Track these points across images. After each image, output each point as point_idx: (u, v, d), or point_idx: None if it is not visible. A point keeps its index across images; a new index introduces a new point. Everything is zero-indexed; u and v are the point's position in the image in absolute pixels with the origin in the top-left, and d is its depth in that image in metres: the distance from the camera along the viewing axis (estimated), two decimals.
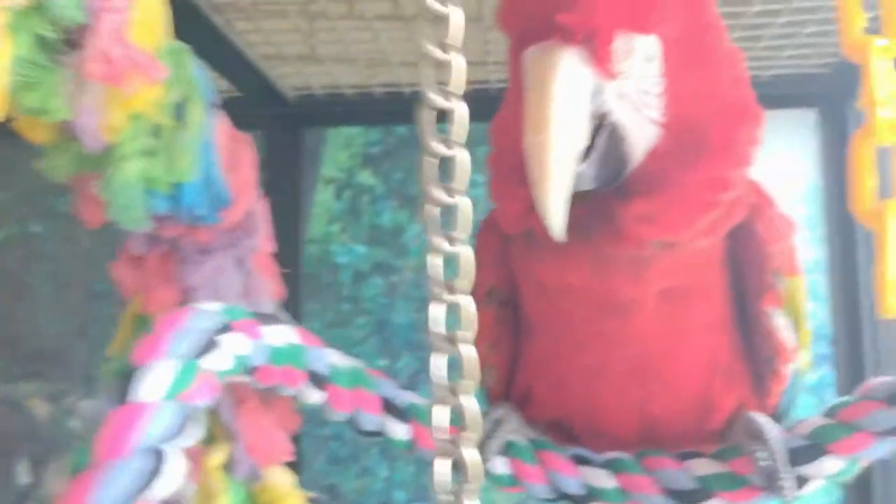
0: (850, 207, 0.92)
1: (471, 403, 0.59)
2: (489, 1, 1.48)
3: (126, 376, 0.68)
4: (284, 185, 2.10)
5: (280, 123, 2.12)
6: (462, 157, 0.59)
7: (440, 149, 0.59)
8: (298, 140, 2.16)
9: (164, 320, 0.75)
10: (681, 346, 0.95)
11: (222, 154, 0.95)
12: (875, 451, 0.87)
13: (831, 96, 1.98)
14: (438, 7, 0.58)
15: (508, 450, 0.96)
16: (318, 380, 0.91)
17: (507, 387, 1.06)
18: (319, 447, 2.12)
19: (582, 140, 0.80)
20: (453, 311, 0.59)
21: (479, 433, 0.60)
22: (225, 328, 0.79)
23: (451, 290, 0.59)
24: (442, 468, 0.59)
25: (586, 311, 0.93)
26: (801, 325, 1.01)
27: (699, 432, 0.98)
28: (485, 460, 0.91)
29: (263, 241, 1.05)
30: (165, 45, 0.86)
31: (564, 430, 1.03)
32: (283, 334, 0.89)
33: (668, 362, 0.96)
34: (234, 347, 0.80)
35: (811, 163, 2.06)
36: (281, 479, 1.02)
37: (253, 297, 1.02)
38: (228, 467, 0.95)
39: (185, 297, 0.96)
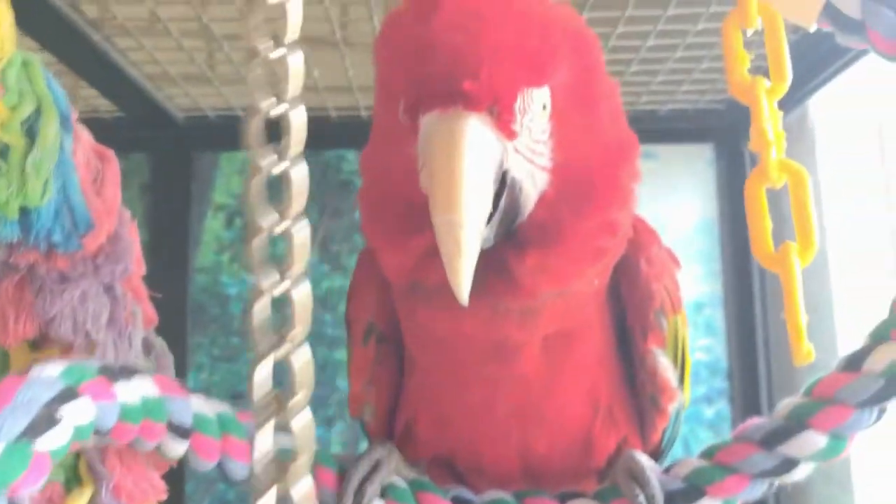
0: (752, 252, 0.93)
1: (304, 422, 0.53)
2: (351, 24, 1.48)
3: None
4: (173, 210, 2.09)
5: (169, 146, 2.09)
6: (298, 173, 0.52)
7: (271, 164, 0.51)
8: (188, 164, 2.12)
9: None
10: (562, 387, 0.95)
11: (83, 173, 0.88)
12: (750, 492, 0.88)
13: (727, 131, 2.04)
14: None
15: (388, 492, 0.93)
16: (180, 430, 0.85)
17: (388, 423, 1.05)
18: (206, 489, 2.03)
19: (488, 207, 0.78)
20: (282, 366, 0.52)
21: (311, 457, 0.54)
22: (67, 395, 0.72)
23: (282, 340, 0.52)
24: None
25: (472, 354, 0.91)
26: (686, 362, 1.02)
27: (581, 470, 0.99)
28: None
29: (134, 265, 0.96)
30: (12, 57, 0.80)
31: (448, 467, 1.02)
32: (139, 387, 0.81)
33: (549, 403, 0.95)
34: (76, 417, 0.72)
35: (707, 196, 2.10)
36: None
37: (121, 326, 0.94)
38: None
39: (46, 329, 0.89)
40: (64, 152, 0.84)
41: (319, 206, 2.11)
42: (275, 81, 0.50)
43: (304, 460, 0.51)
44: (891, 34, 0.85)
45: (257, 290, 0.50)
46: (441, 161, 0.76)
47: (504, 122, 0.77)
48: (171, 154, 2.09)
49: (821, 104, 1.88)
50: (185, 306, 2.06)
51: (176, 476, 1.75)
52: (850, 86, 1.77)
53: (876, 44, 0.87)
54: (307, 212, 0.58)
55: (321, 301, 2.03)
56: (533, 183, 0.83)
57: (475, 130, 0.75)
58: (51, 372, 0.73)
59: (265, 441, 0.51)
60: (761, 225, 0.91)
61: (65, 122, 0.84)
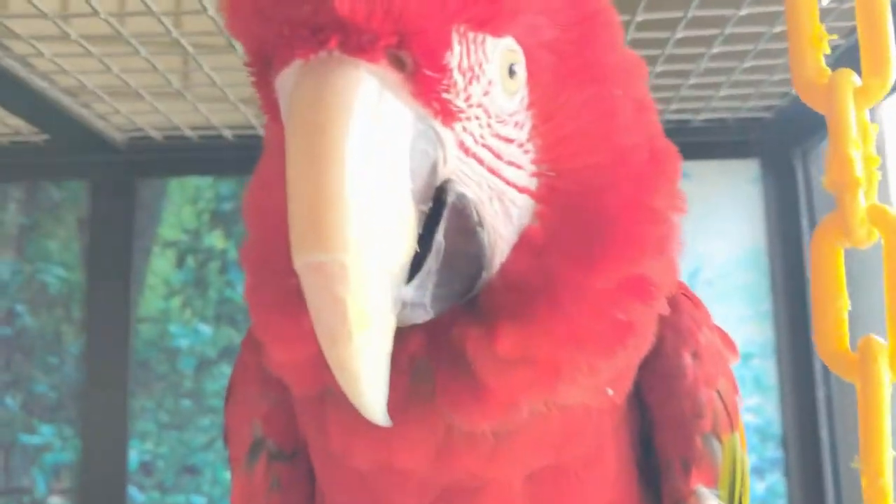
0: (816, 348, 0.68)
1: None
2: None
3: None
4: (113, 248, 1.92)
5: (109, 173, 1.94)
6: None
7: None
8: (131, 193, 1.96)
9: None
10: None
11: None
12: None
13: (775, 144, 1.85)
14: None
15: None
16: None
17: None
18: None
19: (406, 244, 0.51)
20: None
21: None
22: None
23: None
24: None
25: (410, 496, 0.68)
26: (743, 495, 0.77)
27: None
28: None
29: None
30: None
31: None
32: None
33: None
34: None
35: (753, 222, 1.87)
36: None
37: None
38: None
39: None
40: None
41: None
42: None
43: None
44: None
45: None
46: (303, 147, 0.49)
47: (425, 87, 0.51)
48: (113, 182, 1.94)
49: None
50: (127, 362, 1.89)
51: None
52: None
53: None
54: None
55: None
56: (502, 209, 0.58)
57: (364, 90, 0.48)
58: None
59: None
60: (833, 306, 0.66)
61: None
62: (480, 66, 0.55)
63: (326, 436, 0.68)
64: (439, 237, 0.54)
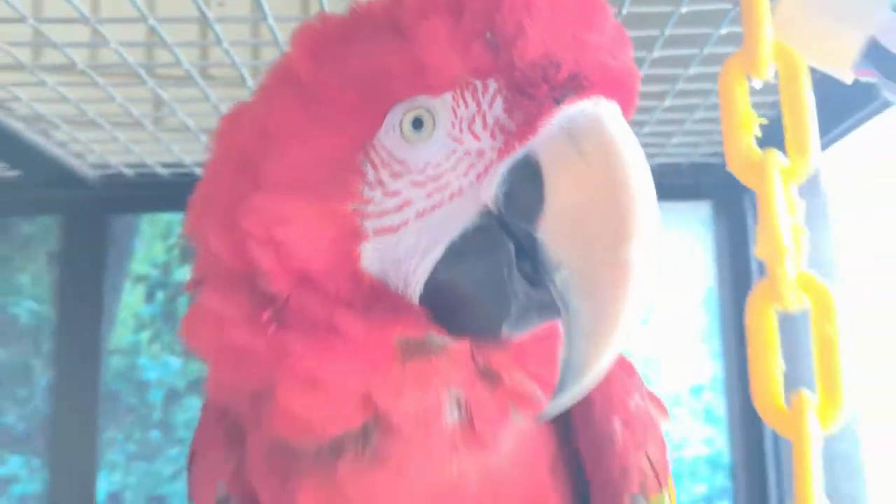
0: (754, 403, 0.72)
1: None
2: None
3: None
4: (84, 283, 1.92)
5: (81, 209, 1.93)
6: None
7: None
8: (102, 229, 1.96)
9: None
10: None
11: None
12: None
13: (725, 187, 1.86)
14: None
15: None
16: None
17: None
18: None
19: None
20: None
21: None
22: None
23: None
24: None
25: None
26: None
27: None
28: None
29: None
30: None
31: None
32: None
33: None
34: None
35: (705, 262, 1.91)
36: None
37: None
38: None
39: None
40: None
41: None
42: None
43: None
44: None
45: None
46: (612, 168, 0.59)
47: None
48: (84, 217, 1.94)
49: (833, 158, 1.73)
50: (97, 394, 1.87)
51: None
52: (864, 138, 1.63)
53: None
54: None
55: None
56: None
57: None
58: None
59: None
60: (768, 366, 0.70)
61: None
62: None
63: (291, 495, 0.67)
64: None
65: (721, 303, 1.85)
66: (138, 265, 1.98)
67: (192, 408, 1.93)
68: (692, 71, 1.31)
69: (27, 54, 1.32)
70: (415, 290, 0.64)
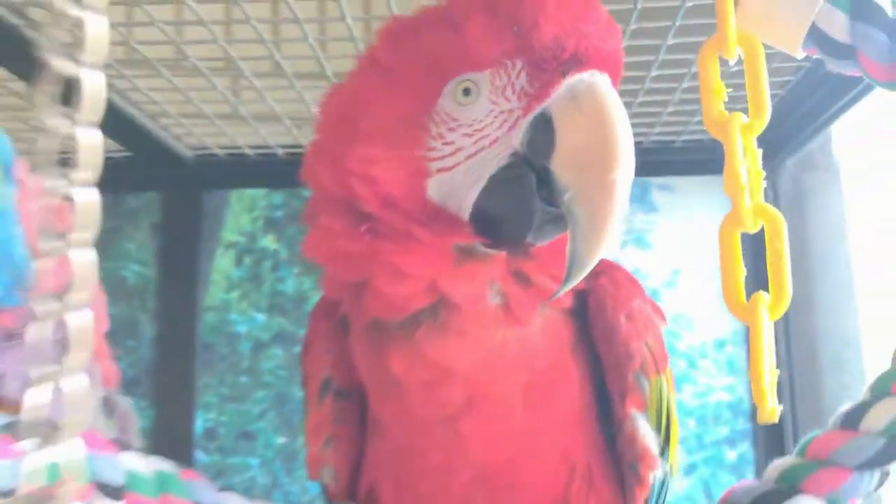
0: (724, 299, 0.87)
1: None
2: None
3: None
4: (182, 249, 2.10)
5: (179, 185, 2.10)
6: (90, 137, 0.50)
7: (62, 126, 0.49)
8: (198, 202, 2.13)
9: None
10: (532, 449, 0.89)
11: (29, 224, 0.85)
12: None
13: None
14: None
15: None
16: (111, 490, 0.79)
17: (350, 485, 1.00)
18: None
19: None
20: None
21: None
22: None
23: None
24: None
25: (436, 407, 0.86)
26: (671, 427, 0.96)
27: None
28: None
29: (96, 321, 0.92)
30: None
31: None
32: (64, 445, 0.77)
33: (517, 466, 0.89)
34: None
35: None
36: None
37: None
38: None
39: None
40: (5, 202, 0.81)
41: None
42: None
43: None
44: (882, 58, 0.81)
45: (45, 253, 0.50)
46: (610, 122, 0.77)
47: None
48: (182, 193, 2.11)
49: (845, 129, 1.84)
50: (194, 345, 2.06)
51: None
52: (877, 109, 1.69)
53: (868, 69, 0.83)
54: None
55: None
56: None
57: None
58: None
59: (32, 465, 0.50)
60: (734, 272, 0.86)
61: (6, 172, 0.81)
62: None
63: (386, 363, 0.85)
64: None
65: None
66: (228, 234, 2.15)
67: (275, 357, 2.10)
68: (671, 41, 1.45)
69: (151, 52, 1.50)
70: (465, 211, 0.82)
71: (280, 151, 2.03)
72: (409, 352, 0.82)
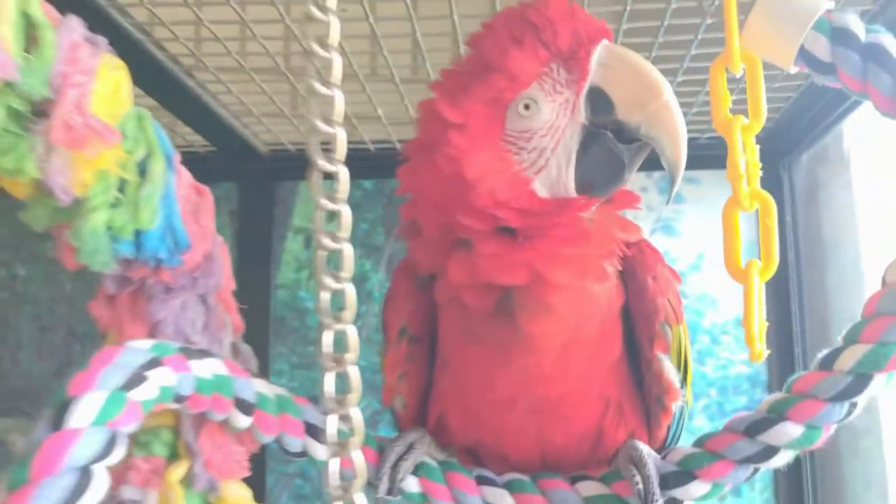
0: (725, 265, 1.00)
1: (356, 413, 0.73)
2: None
3: (62, 405, 0.75)
4: (257, 234, 2.22)
5: (254, 176, 2.22)
6: (345, 211, 0.71)
7: (328, 204, 0.71)
8: (271, 192, 2.24)
9: (98, 357, 0.83)
10: (578, 387, 1.04)
11: (183, 204, 1.02)
12: (735, 476, 0.96)
13: (766, 157, 2.01)
14: (322, 90, 0.70)
15: (420, 470, 1.03)
16: (245, 406, 0.97)
17: (417, 413, 1.14)
18: (285, 484, 2.16)
19: None
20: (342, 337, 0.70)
21: (363, 437, 0.73)
22: (153, 363, 0.86)
23: (339, 319, 0.71)
24: (333, 468, 0.72)
25: (494, 349, 1.00)
26: (686, 367, 1.09)
27: (592, 459, 1.07)
28: (398, 479, 1.00)
29: (224, 280, 1.10)
30: (129, 112, 0.95)
31: (474, 456, 1.11)
32: (211, 366, 0.95)
33: (565, 400, 1.04)
34: (161, 380, 0.87)
35: (748, 218, 2.09)
36: (237, 493, 1.07)
37: (214, 331, 1.08)
38: (188, 481, 1.01)
39: (153, 331, 1.03)
40: (168, 187, 0.99)
41: (386, 229, 2.23)
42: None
43: (357, 440, 0.71)
44: (856, 74, 0.95)
45: (323, 285, 0.70)
46: (640, 65, 0.95)
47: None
48: (257, 183, 2.21)
49: (856, 124, 1.92)
50: (268, 319, 2.17)
51: (258, 472, 1.87)
52: None
53: (845, 83, 0.97)
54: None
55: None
56: None
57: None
58: (141, 346, 0.89)
59: (330, 382, 0.71)
60: (733, 244, 1.01)
61: (169, 163, 1.00)
62: None
63: (472, 323, 1.00)
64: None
65: (760, 250, 2.07)
66: (298, 220, 2.26)
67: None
68: (694, 51, 1.58)
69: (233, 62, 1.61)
70: (572, 188, 0.96)
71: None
72: (503, 321, 0.96)
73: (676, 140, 0.93)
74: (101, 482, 0.73)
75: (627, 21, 1.49)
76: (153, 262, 0.99)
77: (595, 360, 1.04)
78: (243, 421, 0.97)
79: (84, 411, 0.75)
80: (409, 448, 1.03)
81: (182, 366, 0.91)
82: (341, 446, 0.73)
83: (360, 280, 2.25)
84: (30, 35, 0.82)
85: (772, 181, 2.13)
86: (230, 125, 1.97)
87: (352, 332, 0.72)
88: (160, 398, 0.86)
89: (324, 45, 0.70)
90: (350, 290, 0.72)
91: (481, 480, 1.03)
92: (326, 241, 0.71)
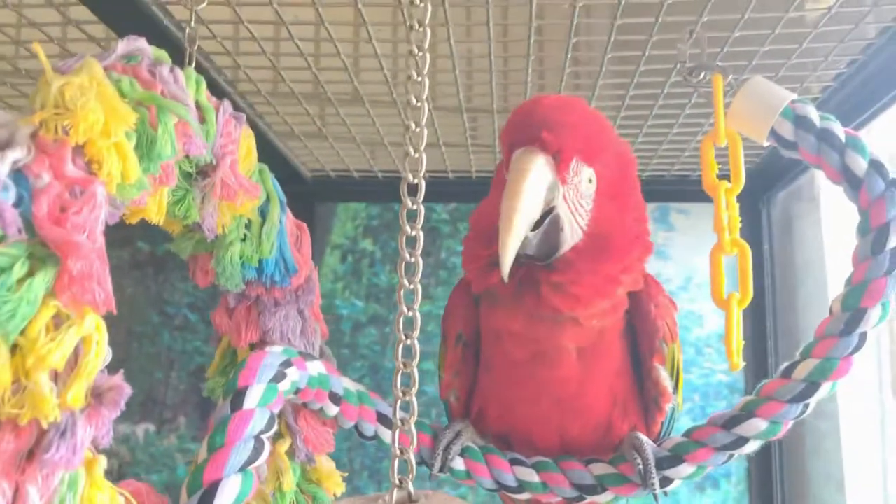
0: (711, 296, 1.13)
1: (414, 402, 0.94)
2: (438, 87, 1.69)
3: (237, 393, 0.96)
4: None
5: (298, 198, 2.13)
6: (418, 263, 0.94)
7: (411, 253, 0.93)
8: (312, 212, 2.38)
9: (253, 358, 1.00)
10: (591, 387, 1.14)
11: (290, 237, 1.20)
12: (715, 460, 1.12)
13: (747, 192, 1.86)
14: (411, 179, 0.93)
15: (465, 452, 1.15)
16: (335, 398, 1.11)
17: (466, 406, 1.24)
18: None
19: (535, 215, 1.01)
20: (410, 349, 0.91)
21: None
22: (287, 363, 1.03)
23: (409, 336, 0.94)
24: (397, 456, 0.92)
25: (524, 356, 1.11)
26: (678, 376, 1.21)
27: (602, 445, 1.19)
28: (448, 459, 1.13)
29: (316, 297, 1.28)
30: (255, 167, 1.15)
31: (506, 442, 1.21)
32: (317, 367, 1.09)
33: (581, 398, 1.14)
34: (292, 376, 1.03)
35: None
36: (326, 464, 1.23)
37: (308, 337, 1.22)
38: (291, 454, 1.17)
39: (264, 337, 1.17)
40: (281, 224, 1.19)
41: None
42: None
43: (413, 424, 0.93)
44: (814, 152, 1.11)
45: (401, 311, 0.94)
46: (514, 173, 0.99)
47: (561, 167, 1.01)
48: (300, 204, 2.10)
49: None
50: None
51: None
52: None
53: (805, 158, 1.13)
54: None
55: None
56: (571, 230, 1.04)
57: (541, 161, 1.01)
58: (277, 350, 1.05)
59: (401, 383, 0.92)
60: (718, 280, 1.14)
61: (282, 206, 1.20)
62: (580, 172, 1.03)
63: (488, 316, 1.13)
64: (546, 221, 1.01)
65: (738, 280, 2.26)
66: (335, 237, 2.38)
67: (370, 335, 2.33)
68: (688, 111, 1.76)
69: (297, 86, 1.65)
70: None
71: (379, 174, 2.25)
72: (499, 312, 1.10)
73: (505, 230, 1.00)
74: (268, 448, 0.96)
75: (633, 88, 1.66)
76: (268, 283, 1.16)
77: (605, 367, 1.14)
78: (333, 410, 1.12)
79: (254, 397, 0.98)
80: (457, 435, 1.15)
81: (302, 365, 1.09)
82: (403, 424, 0.95)
83: (389, 291, 2.39)
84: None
85: (752, 215, 2.28)
86: (278, 149, 2.08)
87: (416, 345, 0.95)
88: (290, 390, 1.06)
89: (418, 98, 0.94)
90: (417, 316, 0.95)
91: (514, 462, 1.16)
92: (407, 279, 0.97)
